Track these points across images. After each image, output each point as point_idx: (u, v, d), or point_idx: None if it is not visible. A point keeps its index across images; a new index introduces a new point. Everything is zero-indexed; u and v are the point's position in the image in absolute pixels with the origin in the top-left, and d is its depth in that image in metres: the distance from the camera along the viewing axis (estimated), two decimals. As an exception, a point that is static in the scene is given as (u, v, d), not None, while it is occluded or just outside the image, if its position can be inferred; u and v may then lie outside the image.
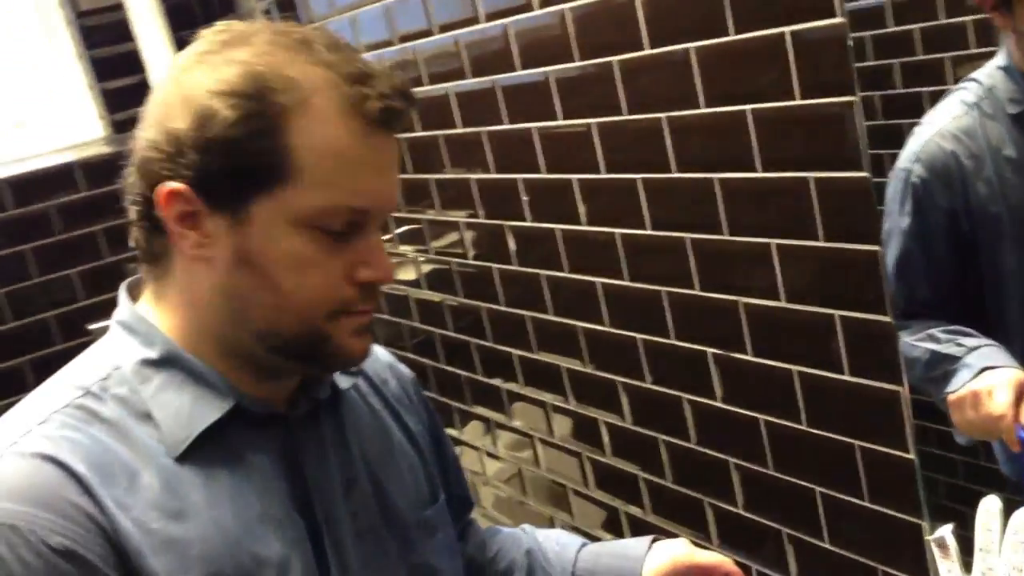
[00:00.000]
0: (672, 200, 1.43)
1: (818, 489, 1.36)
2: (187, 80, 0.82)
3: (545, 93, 1.58)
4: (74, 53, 2.74)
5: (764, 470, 1.44)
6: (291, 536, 0.86)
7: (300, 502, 0.88)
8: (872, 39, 1.39)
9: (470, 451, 2.25)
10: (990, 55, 1.29)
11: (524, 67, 1.61)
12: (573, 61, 1.51)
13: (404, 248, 2.19)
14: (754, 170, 1.28)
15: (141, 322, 0.88)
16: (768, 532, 1.48)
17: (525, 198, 1.73)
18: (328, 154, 0.81)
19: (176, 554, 0.80)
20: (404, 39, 1.90)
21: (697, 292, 1.44)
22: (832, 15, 1.12)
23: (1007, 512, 1.05)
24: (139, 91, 2.80)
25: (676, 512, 1.67)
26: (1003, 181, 1.27)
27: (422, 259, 2.15)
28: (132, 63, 2.72)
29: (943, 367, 1.32)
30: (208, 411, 0.85)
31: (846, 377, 1.26)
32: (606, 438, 1.78)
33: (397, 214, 2.15)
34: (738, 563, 1.19)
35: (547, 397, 1.89)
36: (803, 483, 1.38)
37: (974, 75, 1.30)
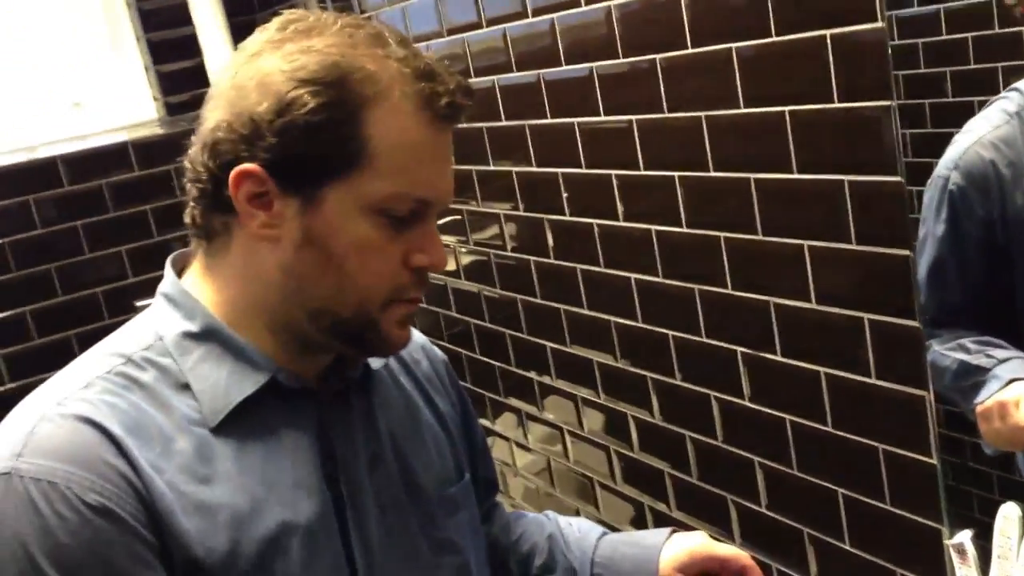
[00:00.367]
0: (708, 199, 1.44)
1: (841, 491, 1.37)
2: (262, 65, 0.85)
3: (588, 88, 1.60)
4: (133, 35, 2.80)
5: (788, 470, 1.45)
6: (317, 506, 0.89)
7: (327, 474, 0.92)
8: (923, 46, 1.39)
9: (501, 442, 2.28)
10: (1045, 66, 1.28)
11: (569, 62, 1.63)
12: (617, 58, 1.52)
13: (445, 238, 2.22)
14: (790, 171, 1.29)
15: (184, 296, 0.91)
16: (790, 532, 1.49)
17: (565, 194, 1.75)
18: (400, 145, 0.85)
19: (205, 517, 0.83)
20: (452, 31, 1.93)
21: (729, 291, 1.45)
22: (873, 19, 1.13)
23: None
24: (194, 74, 2.88)
25: (700, 509, 1.68)
26: None
27: (462, 250, 2.18)
28: (189, 47, 2.77)
29: (973, 378, 1.32)
30: (244, 384, 0.88)
31: (872, 380, 1.26)
32: (634, 433, 1.79)
33: (439, 204, 2.18)
34: (759, 562, 1.20)
35: (578, 391, 1.91)
36: (826, 484, 1.39)
37: (1017, 85, 1.29)
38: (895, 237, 1.18)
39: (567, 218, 1.77)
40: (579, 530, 1.20)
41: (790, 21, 1.22)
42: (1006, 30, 1.30)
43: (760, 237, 1.36)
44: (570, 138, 1.68)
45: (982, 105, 1.36)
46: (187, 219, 0.93)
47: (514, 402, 2.17)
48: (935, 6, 1.36)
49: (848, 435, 1.33)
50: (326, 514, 0.90)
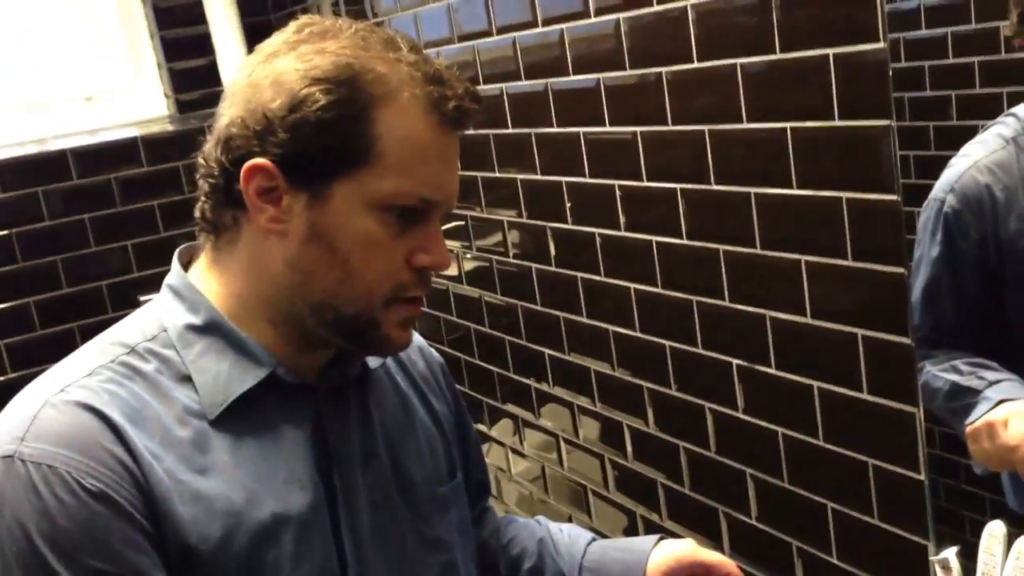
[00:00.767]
0: (709, 211, 1.46)
1: (830, 504, 1.38)
2: (278, 64, 0.87)
3: (595, 99, 1.62)
4: (147, 32, 2.83)
5: (779, 482, 1.46)
6: (310, 500, 0.91)
7: (321, 470, 0.93)
8: (930, 69, 1.40)
9: (497, 447, 2.29)
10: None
11: (576, 72, 1.65)
12: (624, 70, 1.54)
13: (449, 243, 2.23)
14: (790, 187, 1.30)
15: (190, 289, 0.93)
16: (779, 544, 1.50)
17: (568, 203, 1.77)
18: (408, 144, 0.87)
19: (201, 506, 0.85)
20: (464, 38, 1.95)
21: (727, 303, 1.46)
22: (876, 40, 1.15)
23: (1011, 540, 1.07)
24: (206, 73, 2.90)
25: (692, 519, 1.70)
26: None
27: (465, 255, 2.19)
28: (202, 46, 2.79)
29: (964, 399, 1.33)
30: (244, 378, 0.90)
31: (864, 395, 1.28)
32: (629, 442, 1.81)
33: (444, 209, 2.20)
34: (747, 573, 1.21)
35: (575, 398, 1.93)
36: (816, 498, 1.40)
37: (1013, 110, 1.31)
38: (890, 255, 1.20)
39: (569, 226, 1.79)
40: (569, 535, 1.21)
41: (794, 39, 1.24)
42: (1012, 56, 1.31)
43: (758, 251, 1.38)
44: (575, 147, 1.70)
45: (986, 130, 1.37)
46: (197, 213, 0.94)
47: (511, 408, 2.18)
48: (943, 29, 1.37)
49: (839, 449, 1.34)
50: (318, 508, 0.92)
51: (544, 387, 2.02)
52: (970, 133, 1.37)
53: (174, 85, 2.84)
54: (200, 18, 2.77)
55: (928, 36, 1.38)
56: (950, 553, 1.14)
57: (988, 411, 1.28)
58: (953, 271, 1.35)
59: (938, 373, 1.36)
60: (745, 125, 1.34)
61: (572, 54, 1.65)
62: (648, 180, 1.56)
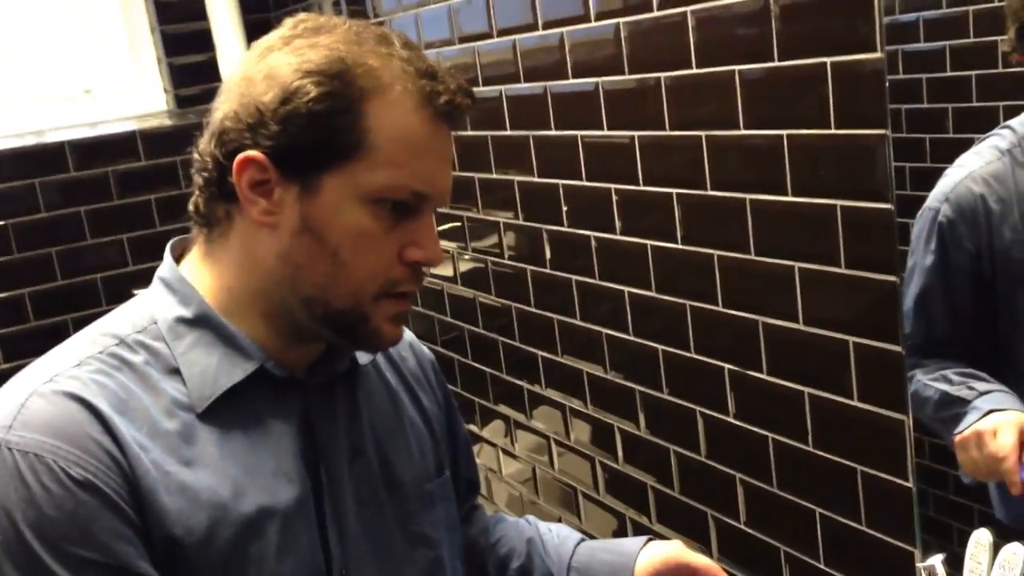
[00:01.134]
0: (704, 217, 1.47)
1: (818, 510, 1.39)
2: (273, 59, 0.88)
3: (593, 103, 1.63)
4: (147, 26, 2.83)
5: (768, 488, 1.47)
6: (296, 494, 0.92)
7: (308, 464, 0.94)
8: (927, 82, 1.41)
9: (488, 448, 2.29)
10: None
11: (576, 76, 1.66)
12: (623, 74, 1.55)
13: (445, 244, 2.24)
14: (785, 194, 1.31)
15: (181, 282, 0.94)
16: (767, 549, 1.51)
17: (565, 206, 1.78)
18: (399, 138, 0.87)
19: (187, 497, 0.85)
20: (464, 40, 1.96)
21: (720, 309, 1.47)
22: (873, 50, 1.15)
23: (997, 549, 1.08)
24: (206, 69, 2.90)
25: (681, 523, 1.70)
26: None
27: (460, 256, 2.20)
28: (202, 41, 2.79)
29: (953, 409, 1.34)
30: (233, 372, 0.91)
31: (854, 402, 1.29)
32: (620, 445, 1.81)
33: (440, 210, 2.20)
34: (734, 577, 1.22)
35: (567, 401, 1.94)
36: (805, 503, 1.41)
37: (1009, 123, 1.32)
38: (883, 263, 1.21)
39: (565, 229, 1.79)
40: (558, 536, 1.21)
41: (793, 47, 1.25)
42: (1009, 70, 1.31)
43: (752, 257, 1.39)
44: (573, 151, 1.71)
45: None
46: (190, 207, 0.95)
47: (503, 409, 2.19)
48: (941, 43, 1.38)
49: (828, 455, 1.35)
50: (304, 502, 0.92)
51: (537, 389, 2.03)
52: (966, 146, 1.38)
53: (173, 80, 2.84)
54: (201, 14, 2.77)
55: (926, 49, 1.39)
56: (936, 560, 1.15)
57: (977, 421, 1.29)
58: (946, 280, 1.36)
59: (928, 382, 1.37)
60: (742, 132, 1.35)
61: (572, 58, 1.66)
62: (644, 185, 1.57)
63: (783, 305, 1.36)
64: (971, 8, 1.34)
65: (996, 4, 1.32)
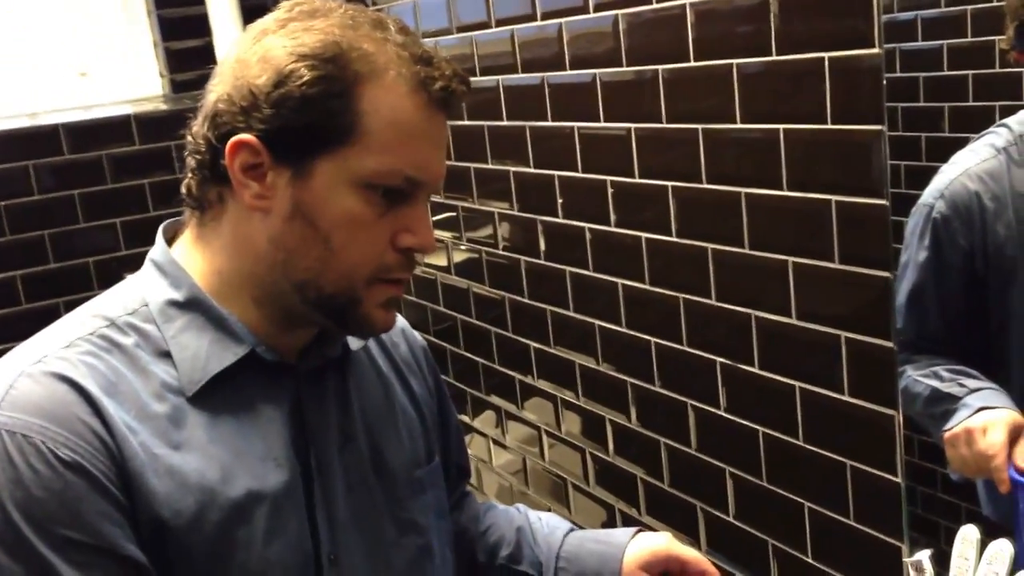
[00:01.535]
0: (699, 210, 1.47)
1: (807, 504, 1.40)
2: (267, 42, 0.88)
3: (590, 94, 1.63)
4: (144, 10, 2.82)
5: (758, 481, 1.47)
6: (285, 478, 0.91)
7: (298, 449, 0.94)
8: (924, 80, 1.41)
9: (479, 439, 2.30)
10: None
11: (573, 67, 1.66)
12: (621, 66, 1.55)
13: (440, 234, 2.24)
14: (780, 188, 1.31)
15: (173, 264, 0.93)
16: (755, 542, 1.51)
17: (560, 198, 1.78)
18: (393, 123, 0.87)
19: (175, 480, 0.85)
20: (462, 29, 1.95)
21: (713, 302, 1.48)
22: (871, 46, 1.16)
23: (983, 545, 1.09)
24: (202, 54, 2.89)
25: (670, 515, 1.71)
26: (1023, 226, 1.30)
27: (454, 246, 2.20)
28: (199, 26, 2.78)
29: (943, 405, 1.35)
30: (223, 355, 0.90)
31: (845, 397, 1.29)
32: (611, 437, 1.82)
33: (436, 199, 2.20)
34: (722, 570, 1.22)
35: (559, 392, 1.94)
36: (793, 497, 1.42)
37: (1006, 121, 1.32)
38: (877, 259, 1.21)
39: (560, 220, 1.80)
40: (547, 525, 1.22)
41: (791, 41, 1.25)
42: (1006, 70, 1.32)
43: (746, 251, 1.39)
44: (569, 142, 1.71)
45: (979, 141, 1.38)
46: (183, 189, 0.95)
47: (495, 400, 2.19)
48: (939, 42, 1.38)
49: (818, 450, 1.36)
50: (293, 486, 0.92)
51: (529, 380, 2.03)
52: (962, 145, 1.38)
53: (169, 65, 2.83)
54: (198, -1, 2.76)
55: (924, 48, 1.39)
56: (924, 555, 1.16)
57: (967, 418, 1.30)
58: (939, 276, 1.36)
59: (919, 378, 1.38)
60: (738, 125, 1.36)
61: (570, 49, 1.66)
62: (640, 177, 1.57)
63: (776, 299, 1.36)
64: (969, 8, 1.34)
65: (994, 4, 1.32)
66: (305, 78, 0.85)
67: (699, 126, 1.42)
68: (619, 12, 1.52)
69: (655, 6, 1.45)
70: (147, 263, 0.96)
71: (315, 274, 0.89)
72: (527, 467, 2.15)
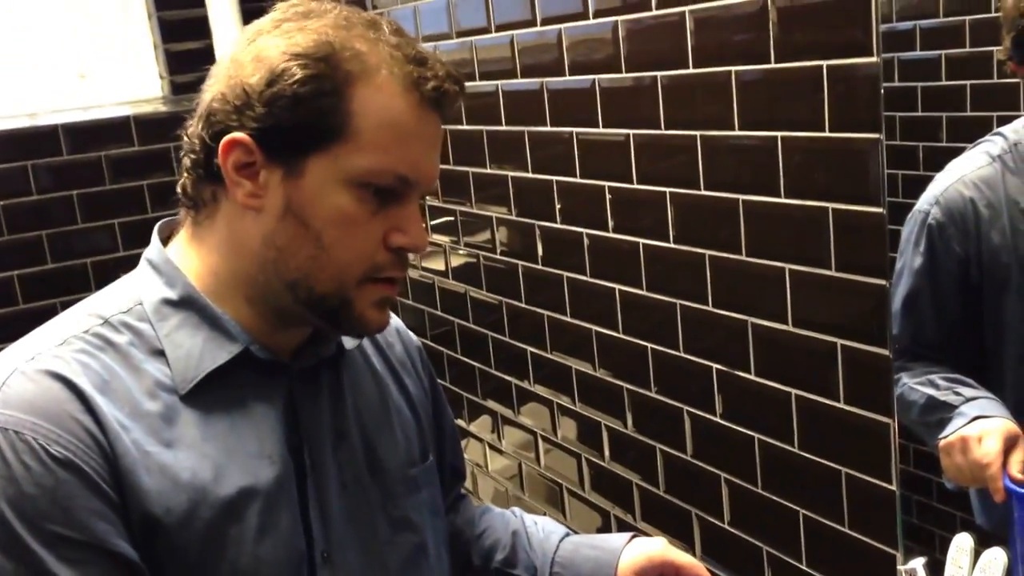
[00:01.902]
0: (697, 217, 1.47)
1: (802, 511, 1.40)
2: (261, 42, 0.89)
3: (589, 100, 1.63)
4: (144, 12, 2.82)
5: (753, 488, 1.47)
6: (278, 476, 0.92)
7: (292, 447, 0.94)
8: (922, 90, 1.41)
9: (475, 443, 2.30)
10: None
11: (572, 73, 1.66)
12: (620, 72, 1.55)
13: (437, 237, 2.25)
14: (778, 195, 1.32)
15: (167, 263, 0.94)
16: (750, 549, 1.51)
17: (558, 203, 1.78)
18: (385, 122, 0.87)
19: (166, 477, 0.86)
20: (462, 34, 1.96)
21: (710, 308, 1.48)
22: (869, 54, 1.16)
23: (978, 554, 1.09)
24: (202, 56, 2.90)
25: (665, 521, 1.71)
26: (1017, 234, 1.30)
27: (452, 250, 2.20)
28: (199, 28, 2.79)
29: (939, 414, 1.35)
30: (217, 354, 0.91)
31: (841, 405, 1.29)
32: (606, 443, 1.82)
33: (434, 203, 2.20)
34: (716, 576, 1.22)
35: (555, 397, 1.94)
36: (788, 504, 1.42)
37: (1001, 130, 1.33)
38: (873, 267, 1.21)
39: (558, 226, 1.80)
40: (543, 530, 1.22)
41: (789, 49, 1.26)
42: (1004, 81, 1.32)
43: (743, 257, 1.39)
44: (568, 147, 1.71)
45: (975, 151, 1.39)
46: (179, 188, 0.95)
47: (491, 405, 2.19)
48: (937, 52, 1.38)
49: (813, 457, 1.36)
50: (286, 484, 0.92)
51: (525, 385, 2.03)
52: (959, 155, 1.39)
53: (169, 67, 2.84)
54: (199, 1, 2.76)
55: (922, 57, 1.39)
56: (918, 564, 1.16)
57: (963, 426, 1.30)
58: (934, 282, 1.37)
59: (914, 386, 1.38)
60: (736, 132, 1.36)
61: (569, 55, 1.66)
62: (638, 183, 1.57)
63: (773, 306, 1.36)
64: (967, 18, 1.34)
65: (992, 14, 1.32)
66: (297, 76, 0.85)
67: (697, 133, 1.43)
68: (619, 19, 1.53)
69: (655, 13, 1.46)
70: (142, 262, 0.96)
71: (306, 273, 0.90)
72: (523, 472, 2.15)
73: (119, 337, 0.90)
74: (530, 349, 1.98)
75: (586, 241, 1.73)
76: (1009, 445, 1.26)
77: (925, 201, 1.36)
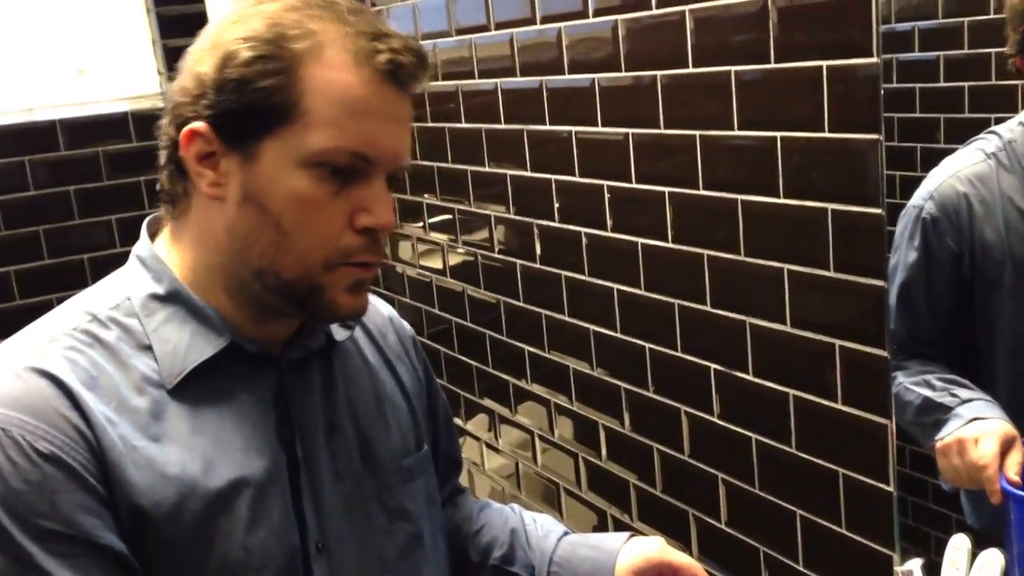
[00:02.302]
0: (696, 216, 1.47)
1: (799, 512, 1.40)
2: (219, 32, 0.89)
3: (589, 99, 1.63)
4: (143, 8, 2.82)
5: (750, 488, 1.47)
6: (268, 467, 0.92)
7: (283, 439, 0.94)
8: (921, 91, 1.41)
9: (472, 442, 2.30)
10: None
11: (571, 71, 1.66)
12: (619, 71, 1.55)
13: (435, 235, 2.24)
14: (777, 195, 1.32)
15: (155, 259, 0.94)
16: (747, 549, 1.51)
17: (557, 202, 1.78)
18: (336, 99, 0.86)
19: (154, 471, 0.86)
20: (461, 32, 1.96)
21: (708, 308, 1.48)
22: (869, 55, 1.16)
23: (975, 555, 1.09)
24: (201, 52, 2.85)
25: (662, 521, 1.71)
26: (1010, 231, 1.31)
27: (450, 248, 2.20)
28: (197, 24, 2.75)
29: (935, 415, 1.35)
30: (204, 348, 0.91)
31: (838, 405, 1.29)
32: (603, 442, 1.82)
33: (432, 202, 2.20)
34: (713, 576, 1.22)
35: (553, 396, 1.94)
36: (785, 505, 1.42)
37: (996, 128, 1.33)
38: (872, 268, 1.21)
39: (556, 224, 1.80)
40: (541, 528, 1.22)
41: (789, 49, 1.26)
42: (1002, 82, 1.33)
43: (742, 257, 1.39)
44: (566, 146, 1.71)
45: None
46: (158, 186, 0.96)
47: (488, 403, 2.19)
48: (935, 53, 1.39)
49: (811, 458, 1.36)
50: (277, 475, 0.92)
51: (522, 384, 2.03)
52: (956, 155, 1.39)
53: (168, 63, 2.84)
54: (197, -3, 2.77)
55: (921, 59, 1.40)
56: (915, 565, 1.16)
57: (959, 428, 1.30)
58: (928, 276, 1.37)
59: (910, 386, 1.38)
60: (736, 132, 1.36)
61: (568, 53, 1.66)
62: (637, 182, 1.57)
63: (771, 307, 1.36)
64: (966, 20, 1.35)
65: (991, 16, 1.33)
66: (243, 58, 0.85)
67: (697, 132, 1.43)
68: (618, 17, 1.53)
69: (654, 12, 1.45)
70: (131, 258, 0.97)
71: (270, 260, 0.89)
72: (519, 471, 2.15)
73: (107, 333, 0.90)
74: (528, 348, 1.98)
75: (584, 240, 1.73)
76: (1006, 447, 1.27)
77: (919, 196, 1.37)
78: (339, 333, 1.04)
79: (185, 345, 0.91)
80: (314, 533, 0.94)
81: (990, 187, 1.32)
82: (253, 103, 0.86)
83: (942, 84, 1.40)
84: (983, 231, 1.32)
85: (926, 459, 1.36)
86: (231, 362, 0.92)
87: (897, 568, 1.23)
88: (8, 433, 0.81)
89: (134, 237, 0.98)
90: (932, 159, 1.40)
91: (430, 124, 2.11)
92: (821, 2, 1.20)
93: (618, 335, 1.70)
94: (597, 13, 1.57)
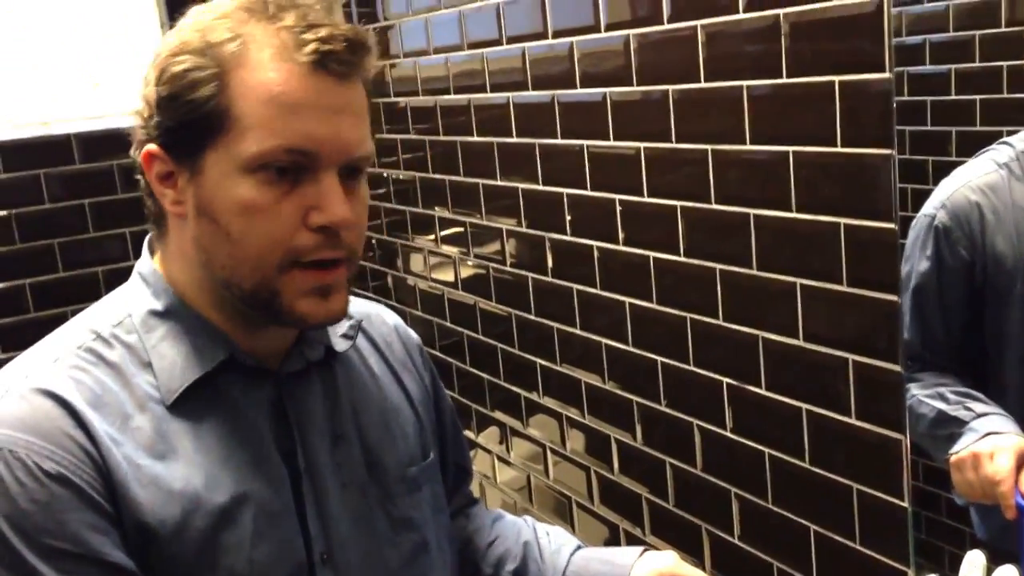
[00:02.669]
0: (708, 230, 1.47)
1: (813, 527, 1.39)
2: (159, 50, 0.90)
3: (600, 113, 1.63)
4: (157, 21, 2.83)
5: (763, 503, 1.47)
6: (272, 481, 0.92)
7: (285, 451, 0.94)
8: (932, 104, 1.41)
9: (483, 455, 2.30)
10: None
11: (583, 86, 1.66)
12: (631, 85, 1.56)
13: (447, 248, 2.25)
14: (789, 210, 1.32)
15: (154, 275, 0.95)
16: (761, 565, 1.51)
17: (568, 215, 1.78)
18: (263, 99, 0.85)
19: (159, 489, 0.86)
20: (473, 46, 1.96)
21: (720, 322, 1.47)
22: (881, 70, 1.16)
23: (990, 571, 1.08)
24: (214, 66, 2.85)
25: (674, 535, 1.70)
26: (1022, 241, 1.31)
27: (461, 261, 2.20)
28: (211, 39, 2.79)
29: (949, 428, 1.35)
30: (201, 363, 0.91)
31: (852, 420, 1.29)
32: (615, 456, 1.81)
33: (443, 215, 2.21)
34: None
35: (565, 410, 1.94)
36: (799, 520, 1.41)
37: (1008, 139, 1.33)
38: (885, 282, 1.21)
39: (568, 238, 1.80)
40: (554, 542, 1.21)
41: (802, 64, 1.26)
42: (1014, 95, 1.32)
43: (754, 272, 1.39)
44: (578, 160, 1.71)
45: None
46: (145, 209, 0.97)
47: (500, 416, 2.19)
48: (947, 66, 1.38)
49: (824, 472, 1.35)
50: (281, 489, 0.92)
51: (534, 397, 2.03)
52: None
53: (181, 76, 2.85)
54: (210, 11, 2.78)
55: (932, 72, 1.40)
56: (930, 581, 1.15)
57: (974, 442, 1.30)
58: (941, 285, 1.37)
59: (924, 399, 1.37)
60: (748, 147, 1.36)
61: (580, 67, 1.67)
62: (649, 196, 1.57)
63: (783, 321, 1.36)
64: (977, 33, 1.35)
65: (1003, 29, 1.32)
66: (172, 72, 0.86)
67: (708, 146, 1.43)
68: (630, 32, 1.53)
69: (666, 26, 1.46)
70: (133, 274, 0.97)
71: (231, 271, 0.89)
72: (531, 484, 2.14)
73: (111, 352, 0.91)
74: (539, 361, 1.98)
75: (596, 253, 1.73)
76: (1021, 462, 1.26)
77: (931, 205, 1.36)
78: (340, 343, 1.04)
79: (183, 361, 0.91)
80: (319, 543, 0.94)
81: (1002, 197, 1.32)
82: (187, 116, 0.86)
83: (953, 97, 1.40)
84: (995, 241, 1.32)
85: (939, 473, 1.36)
86: (229, 376, 0.92)
87: (912, 584, 1.22)
88: (15, 454, 0.82)
89: (148, 250, 0.98)
90: (943, 172, 1.39)
91: (442, 137, 2.12)
92: (833, 17, 1.20)
93: (630, 348, 1.70)
94: (609, 27, 1.57)
